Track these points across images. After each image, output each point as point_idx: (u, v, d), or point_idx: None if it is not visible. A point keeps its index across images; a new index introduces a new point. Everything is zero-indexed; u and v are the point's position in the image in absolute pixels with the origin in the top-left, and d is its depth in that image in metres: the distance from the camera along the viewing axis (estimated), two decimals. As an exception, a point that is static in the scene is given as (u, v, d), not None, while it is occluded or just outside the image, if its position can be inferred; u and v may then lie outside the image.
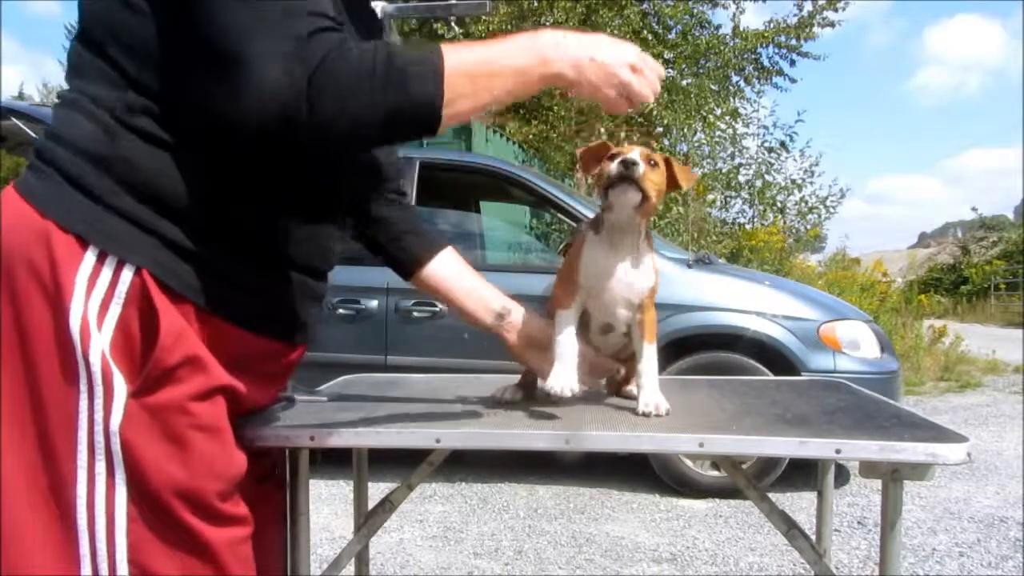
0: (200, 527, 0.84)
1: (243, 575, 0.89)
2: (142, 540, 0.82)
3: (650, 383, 1.09)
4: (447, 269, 1.19)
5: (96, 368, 0.81)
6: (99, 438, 0.81)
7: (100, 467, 0.81)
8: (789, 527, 1.11)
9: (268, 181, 0.91)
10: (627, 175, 1.03)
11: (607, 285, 1.11)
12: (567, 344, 1.09)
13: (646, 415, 1.04)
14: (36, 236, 0.82)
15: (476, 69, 0.85)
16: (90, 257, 0.82)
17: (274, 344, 0.98)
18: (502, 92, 0.87)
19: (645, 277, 1.11)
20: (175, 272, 0.85)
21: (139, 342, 0.83)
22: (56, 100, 0.92)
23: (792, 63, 10.51)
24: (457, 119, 0.86)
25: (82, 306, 0.81)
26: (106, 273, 0.82)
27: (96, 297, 0.82)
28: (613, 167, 1.04)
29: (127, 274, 0.83)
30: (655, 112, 9.41)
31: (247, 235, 0.90)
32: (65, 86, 0.90)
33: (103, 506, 0.81)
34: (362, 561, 1.40)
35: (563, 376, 1.06)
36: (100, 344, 0.81)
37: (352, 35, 0.91)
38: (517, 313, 1.18)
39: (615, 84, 0.90)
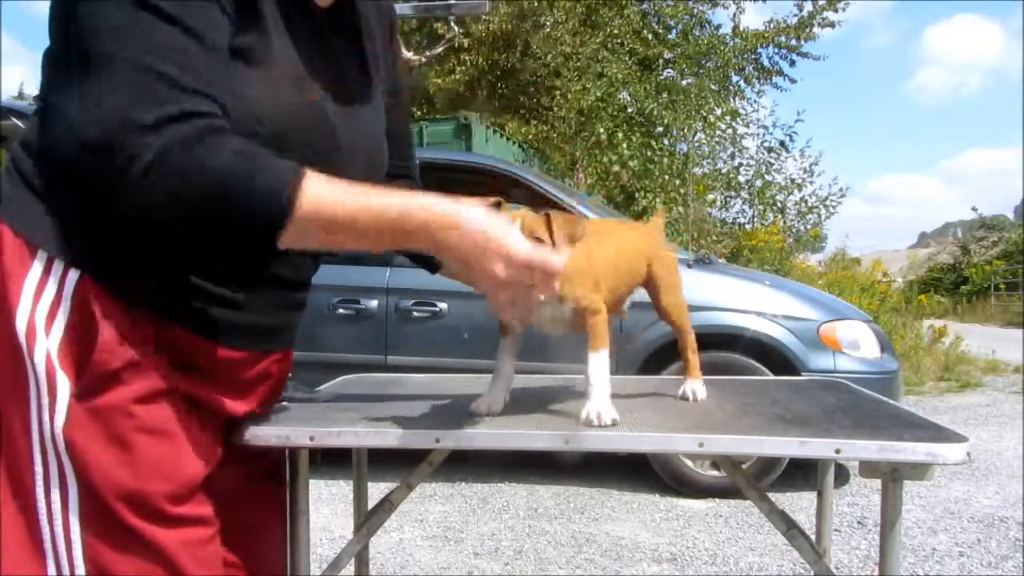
0: (147, 529, 0.84)
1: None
2: (95, 542, 0.83)
3: (596, 391, 1.03)
4: None
5: (41, 370, 0.82)
6: (47, 439, 0.82)
7: (52, 468, 0.83)
8: (789, 527, 1.11)
9: None
10: None
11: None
12: (502, 371, 1.11)
13: (588, 424, 0.99)
14: None
15: (333, 222, 0.78)
16: (38, 263, 0.83)
17: (239, 352, 0.96)
18: (352, 246, 0.81)
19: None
20: (123, 278, 0.85)
21: (86, 345, 0.84)
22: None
23: (792, 63, 10.54)
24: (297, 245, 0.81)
25: (29, 309, 0.82)
26: (53, 278, 0.83)
27: (45, 301, 0.83)
28: None
29: (73, 278, 0.84)
30: (655, 112, 9.42)
31: (202, 245, 0.89)
32: None
33: (59, 505, 0.83)
34: (362, 561, 1.40)
35: (487, 399, 1.08)
36: (45, 346, 0.82)
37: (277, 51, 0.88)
38: None
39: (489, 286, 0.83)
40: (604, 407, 1.01)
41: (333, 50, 0.98)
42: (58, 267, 0.83)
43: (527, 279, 0.82)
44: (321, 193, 0.77)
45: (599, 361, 1.04)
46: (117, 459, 0.83)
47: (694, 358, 1.26)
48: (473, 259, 0.81)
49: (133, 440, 0.84)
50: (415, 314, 3.81)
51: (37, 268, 0.83)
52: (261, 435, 0.98)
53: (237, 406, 0.98)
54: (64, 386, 0.82)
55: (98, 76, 0.76)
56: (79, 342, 0.83)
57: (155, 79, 0.76)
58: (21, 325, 0.82)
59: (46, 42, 0.87)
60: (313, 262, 1.06)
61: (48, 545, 0.83)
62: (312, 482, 1.09)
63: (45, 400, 0.82)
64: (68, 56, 0.80)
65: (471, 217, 0.81)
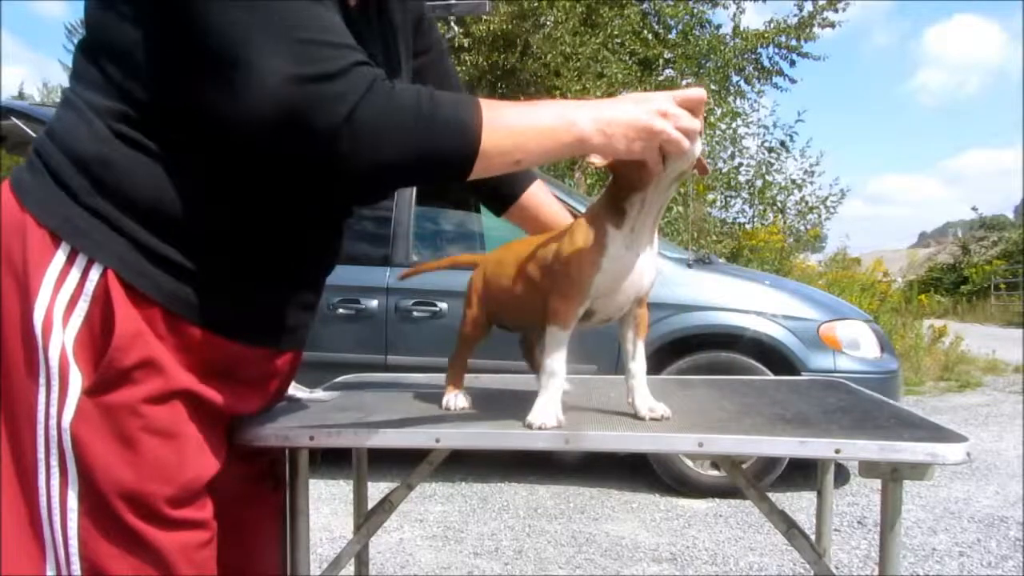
0: (146, 530, 0.84)
1: None
2: (91, 537, 0.83)
3: (643, 385, 1.05)
4: (541, 196, 1.27)
5: (54, 363, 0.82)
6: (52, 432, 0.82)
7: (53, 461, 0.82)
8: (789, 527, 1.11)
9: (251, 190, 0.90)
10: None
11: (623, 284, 1.00)
12: (558, 374, 1.00)
13: (655, 420, 1.01)
14: (15, 228, 0.84)
15: (511, 127, 0.85)
16: (61, 254, 0.83)
17: (253, 350, 0.96)
18: (533, 152, 0.87)
19: (655, 267, 1.04)
20: (144, 274, 0.85)
21: (103, 339, 0.84)
22: (59, 99, 0.93)
23: (792, 63, 10.52)
24: (487, 172, 0.86)
25: (48, 300, 0.82)
26: (75, 270, 0.83)
27: (65, 293, 0.83)
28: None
29: (95, 273, 0.84)
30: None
31: (224, 242, 0.90)
32: (67, 86, 0.91)
33: (57, 500, 0.83)
34: (362, 561, 1.40)
35: (548, 410, 0.98)
36: (61, 339, 0.82)
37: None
38: None
39: (643, 135, 0.87)
40: (656, 402, 1.04)
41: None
42: (81, 259, 0.83)
43: (676, 119, 0.88)
44: (490, 111, 0.83)
45: (643, 352, 1.07)
46: (121, 457, 0.83)
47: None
48: (627, 105, 0.87)
49: (139, 440, 0.84)
50: (415, 314, 3.81)
51: (60, 258, 0.83)
52: (261, 435, 0.98)
53: (246, 405, 0.98)
54: (76, 380, 0.82)
55: (247, 56, 0.77)
56: (97, 336, 0.83)
57: (311, 44, 0.77)
58: (39, 316, 0.82)
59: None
60: (330, 260, 1.06)
61: (47, 539, 0.83)
62: (312, 482, 1.09)
63: (55, 393, 0.82)
64: (190, 48, 0.80)
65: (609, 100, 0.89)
